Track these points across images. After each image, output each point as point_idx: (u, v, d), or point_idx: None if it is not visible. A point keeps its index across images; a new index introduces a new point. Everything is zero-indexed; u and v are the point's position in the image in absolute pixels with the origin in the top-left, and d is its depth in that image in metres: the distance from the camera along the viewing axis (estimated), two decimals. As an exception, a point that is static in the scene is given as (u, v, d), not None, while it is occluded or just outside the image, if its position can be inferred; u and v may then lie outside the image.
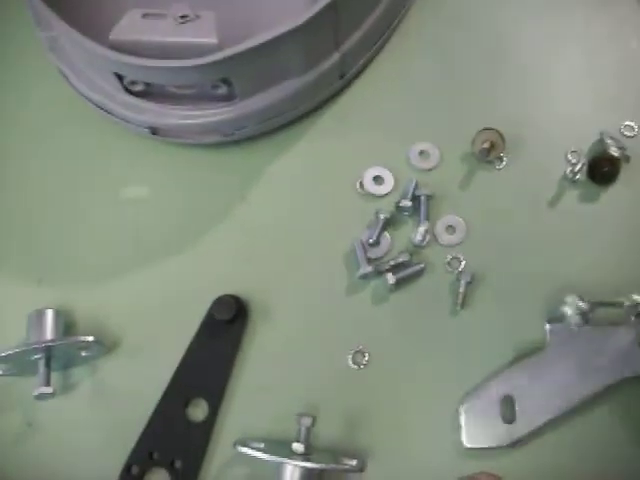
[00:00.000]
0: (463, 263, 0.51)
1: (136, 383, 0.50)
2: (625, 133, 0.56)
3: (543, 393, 0.47)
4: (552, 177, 0.54)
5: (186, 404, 0.49)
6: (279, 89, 0.51)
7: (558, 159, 0.55)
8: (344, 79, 0.55)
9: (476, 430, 0.47)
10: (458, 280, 0.50)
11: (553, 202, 0.53)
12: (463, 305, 0.50)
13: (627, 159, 0.54)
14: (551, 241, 0.52)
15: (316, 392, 0.49)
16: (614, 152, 0.53)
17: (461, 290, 0.50)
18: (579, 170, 0.53)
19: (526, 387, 0.47)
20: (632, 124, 0.56)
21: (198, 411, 0.49)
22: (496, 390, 0.47)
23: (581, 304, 0.45)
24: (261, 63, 0.48)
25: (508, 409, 0.47)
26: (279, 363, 0.49)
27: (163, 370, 0.49)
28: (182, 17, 0.48)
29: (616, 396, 0.47)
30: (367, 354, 0.49)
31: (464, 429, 0.47)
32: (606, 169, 0.53)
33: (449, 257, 0.52)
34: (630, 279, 0.50)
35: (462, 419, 0.47)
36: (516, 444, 0.46)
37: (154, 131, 0.53)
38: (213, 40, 0.47)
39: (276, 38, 0.46)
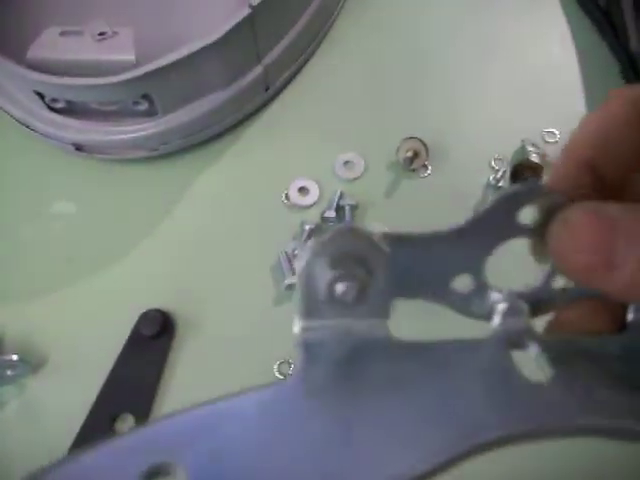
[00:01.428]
0: (388, 271, 0.52)
1: (64, 400, 0.49)
2: (547, 139, 0.57)
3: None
4: (477, 184, 0.55)
5: (114, 420, 0.49)
6: (202, 103, 0.52)
7: (482, 166, 0.56)
8: (269, 91, 0.55)
9: None
10: (383, 289, 0.51)
11: (477, 208, 0.54)
12: (388, 313, 0.50)
13: (548, 165, 0.55)
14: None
15: (243, 404, 0.49)
16: (534, 159, 0.54)
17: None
18: (502, 177, 0.54)
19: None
20: (554, 130, 0.57)
21: (126, 426, 0.48)
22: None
23: None
24: (180, 78, 0.48)
25: None
26: (206, 377, 0.50)
27: (91, 386, 0.49)
28: (100, 34, 0.48)
29: None
30: (292, 364, 0.50)
31: None
32: (527, 176, 0.54)
33: (375, 266, 0.52)
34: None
35: None
36: None
37: (78, 147, 0.53)
38: (130, 57, 0.48)
39: (193, 53, 0.47)
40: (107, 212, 0.54)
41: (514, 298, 0.26)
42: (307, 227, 0.52)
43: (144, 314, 0.50)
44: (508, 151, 0.56)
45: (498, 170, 0.54)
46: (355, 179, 0.55)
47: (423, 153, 0.54)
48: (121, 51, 0.48)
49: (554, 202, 0.23)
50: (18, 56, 0.48)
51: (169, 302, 0.51)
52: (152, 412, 0.49)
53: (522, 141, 0.56)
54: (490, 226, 0.24)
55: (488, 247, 0.25)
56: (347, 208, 0.53)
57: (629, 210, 0.21)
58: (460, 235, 0.24)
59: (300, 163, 0.55)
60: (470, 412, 0.22)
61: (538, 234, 0.25)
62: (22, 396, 0.50)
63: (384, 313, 0.23)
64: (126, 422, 0.49)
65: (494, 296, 0.25)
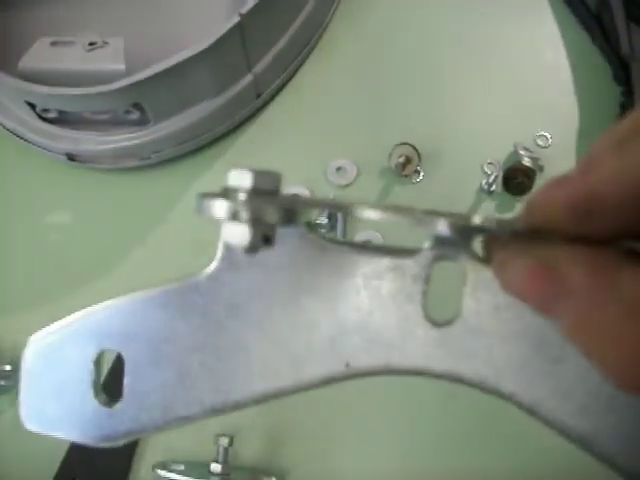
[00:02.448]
0: (381, 277, 0.52)
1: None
2: (539, 143, 0.57)
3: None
4: (469, 189, 0.55)
5: (107, 428, 0.49)
6: (193, 112, 0.52)
7: (475, 171, 0.55)
8: (261, 99, 0.55)
9: (44, 404, 0.27)
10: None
11: (470, 213, 0.54)
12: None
13: (541, 169, 0.55)
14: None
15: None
16: (527, 163, 0.54)
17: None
18: (494, 181, 0.54)
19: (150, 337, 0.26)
20: (546, 134, 0.57)
21: (120, 435, 0.48)
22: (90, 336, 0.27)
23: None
24: (171, 87, 0.48)
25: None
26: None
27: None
28: (90, 44, 0.49)
29: None
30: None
31: (22, 402, 0.29)
32: (519, 180, 0.54)
33: (368, 272, 0.52)
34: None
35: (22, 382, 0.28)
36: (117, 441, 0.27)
37: (71, 157, 0.53)
38: (120, 66, 0.48)
39: (183, 62, 0.47)
40: (101, 222, 0.54)
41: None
42: (299, 234, 0.52)
43: (137, 323, 0.50)
44: (500, 155, 0.56)
45: (490, 175, 0.54)
46: (347, 185, 0.55)
47: (415, 159, 0.54)
48: (111, 61, 0.48)
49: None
50: (9, 67, 0.48)
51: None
52: (146, 421, 0.48)
53: (514, 145, 0.56)
54: None
55: None
56: (339, 215, 0.53)
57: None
58: None
59: (292, 170, 0.55)
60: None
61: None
62: (16, 406, 0.49)
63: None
64: (120, 431, 0.48)
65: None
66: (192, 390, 0.25)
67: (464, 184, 0.55)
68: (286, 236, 0.24)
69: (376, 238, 0.53)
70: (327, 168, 0.55)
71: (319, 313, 0.24)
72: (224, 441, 0.45)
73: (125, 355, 0.26)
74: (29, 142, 0.52)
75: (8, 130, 0.53)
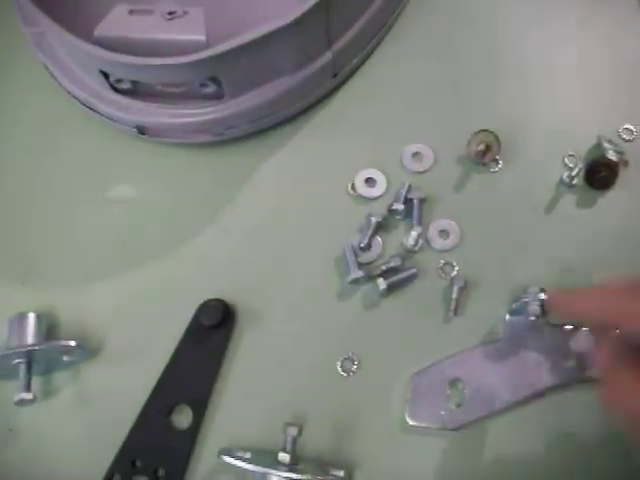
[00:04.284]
0: (456, 268, 0.50)
1: (119, 389, 0.48)
2: (623, 136, 0.54)
3: (493, 382, 0.46)
4: (549, 181, 0.53)
5: (170, 411, 0.47)
6: (270, 88, 0.50)
7: (555, 163, 0.53)
8: (337, 78, 0.53)
9: (421, 409, 0.46)
10: (451, 286, 0.49)
11: (549, 207, 0.52)
12: (456, 312, 0.49)
13: (625, 163, 0.53)
14: (547, 246, 0.51)
15: (304, 400, 0.47)
16: (612, 156, 0.52)
17: (454, 296, 0.49)
18: (576, 175, 0.52)
19: (477, 373, 0.47)
20: (631, 127, 0.55)
21: (182, 418, 0.47)
22: (447, 371, 0.47)
23: (541, 295, 0.45)
24: (250, 61, 0.47)
25: (457, 392, 0.46)
26: (266, 370, 0.48)
27: (147, 376, 0.48)
28: (170, 13, 0.47)
29: (561, 396, 0.47)
30: (357, 361, 0.48)
31: (409, 406, 0.46)
32: (603, 174, 0.52)
33: (442, 262, 0.50)
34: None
35: (409, 395, 0.46)
36: (459, 428, 0.46)
37: (141, 130, 0.51)
38: (201, 37, 0.46)
39: (265, 36, 0.45)
40: (169, 197, 0.52)
41: None
42: (373, 219, 0.50)
43: (204, 303, 0.49)
44: (583, 148, 0.54)
45: (572, 168, 0.52)
46: (424, 172, 0.53)
47: (495, 147, 0.52)
48: (192, 31, 0.47)
49: None
50: (86, 34, 0.46)
51: (229, 292, 0.49)
52: (210, 405, 0.47)
53: (598, 137, 0.53)
54: None
55: None
56: (415, 201, 0.51)
57: None
58: None
59: (367, 153, 0.53)
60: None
61: None
62: (77, 382, 0.49)
63: None
64: (183, 413, 0.47)
65: None
66: (496, 397, 0.46)
67: (544, 176, 0.53)
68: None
69: (451, 226, 0.51)
70: (403, 153, 0.53)
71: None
72: (293, 430, 0.43)
73: (465, 380, 0.47)
74: (100, 113, 0.51)
75: (80, 101, 0.51)
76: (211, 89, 0.48)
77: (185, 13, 0.47)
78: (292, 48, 0.48)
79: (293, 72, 0.50)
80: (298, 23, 0.45)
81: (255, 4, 0.51)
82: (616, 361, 0.37)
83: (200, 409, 0.47)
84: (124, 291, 0.51)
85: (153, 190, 0.53)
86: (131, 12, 0.47)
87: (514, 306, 0.48)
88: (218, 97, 0.49)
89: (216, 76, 0.47)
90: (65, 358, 0.48)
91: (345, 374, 0.48)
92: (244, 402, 0.47)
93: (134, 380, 0.48)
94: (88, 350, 0.48)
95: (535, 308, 0.46)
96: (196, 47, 0.45)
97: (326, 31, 0.49)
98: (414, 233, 0.49)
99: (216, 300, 0.48)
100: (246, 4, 0.51)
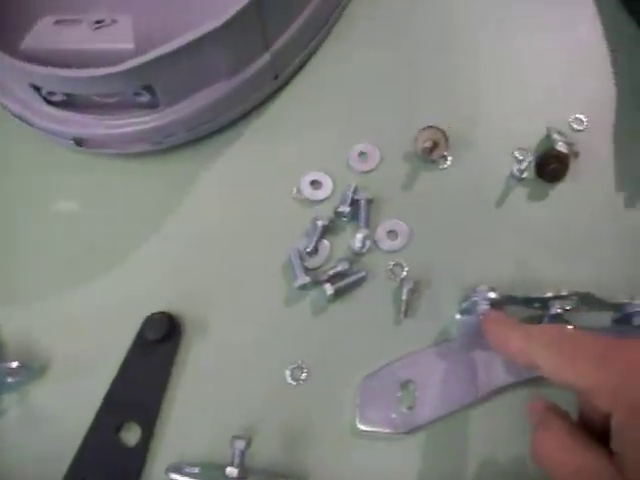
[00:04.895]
0: (406, 269, 0.49)
1: (67, 408, 0.47)
2: (574, 126, 0.53)
3: (446, 383, 0.46)
4: (499, 176, 0.52)
5: (119, 428, 0.46)
6: (207, 94, 0.49)
7: (505, 157, 0.53)
8: (278, 80, 0.52)
9: (372, 413, 0.45)
10: (401, 287, 0.48)
11: (500, 201, 0.51)
12: (407, 313, 0.48)
13: (576, 155, 0.52)
14: (498, 241, 0.50)
15: (254, 411, 0.46)
16: (561, 148, 0.51)
17: (404, 298, 0.48)
18: (526, 168, 0.51)
19: (429, 374, 0.46)
20: (581, 117, 0.54)
21: (131, 435, 0.46)
22: (398, 373, 0.46)
23: (490, 294, 0.44)
24: (183, 67, 0.46)
25: (408, 395, 0.46)
26: (215, 381, 0.47)
27: (96, 393, 0.47)
28: (97, 22, 0.46)
29: (513, 395, 0.46)
30: (306, 369, 0.47)
31: (359, 411, 0.45)
32: (553, 166, 0.51)
33: (391, 263, 0.49)
34: (577, 277, 0.48)
35: (358, 400, 0.45)
36: (412, 431, 0.45)
37: (79, 142, 0.50)
38: (129, 46, 0.45)
39: (196, 40, 0.44)
40: (110, 210, 0.51)
41: None
42: (319, 223, 0.49)
43: (149, 317, 0.48)
44: (533, 140, 0.53)
45: (522, 160, 0.51)
46: (370, 171, 0.52)
47: (443, 143, 0.51)
48: (120, 39, 0.46)
49: None
50: (12, 47, 0.45)
51: (175, 304, 0.48)
52: (159, 421, 0.46)
53: (547, 129, 0.52)
54: None
55: None
56: (362, 202, 0.50)
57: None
58: None
59: (312, 155, 0.52)
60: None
61: None
62: (24, 403, 0.48)
63: None
64: (131, 432, 0.46)
65: None
66: (449, 398, 0.45)
67: (494, 170, 0.52)
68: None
69: (399, 226, 0.50)
70: (349, 153, 0.52)
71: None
72: (240, 444, 0.42)
73: (417, 381, 0.46)
74: (36, 127, 0.50)
75: (14, 115, 0.50)
76: (145, 98, 0.47)
77: (114, 21, 0.46)
78: (226, 52, 0.46)
79: (230, 76, 0.48)
80: (230, 25, 0.44)
81: (188, 8, 0.50)
82: (549, 412, 0.36)
83: (149, 425, 0.46)
84: (69, 307, 0.49)
85: (95, 202, 0.52)
86: (58, 23, 0.46)
87: (464, 305, 0.47)
88: (154, 106, 0.48)
89: (149, 84, 0.46)
90: (9, 379, 0.47)
91: (295, 382, 0.47)
92: (194, 416, 0.47)
93: (82, 398, 0.47)
94: (34, 370, 0.47)
95: (484, 307, 0.45)
96: (125, 56, 0.44)
97: (262, 32, 0.48)
98: (359, 236, 0.48)
99: (160, 313, 0.47)
100: (179, 9, 0.50)
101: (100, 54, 0.45)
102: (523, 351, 0.37)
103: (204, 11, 0.46)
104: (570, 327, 0.45)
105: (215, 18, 0.44)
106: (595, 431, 0.35)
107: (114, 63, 0.43)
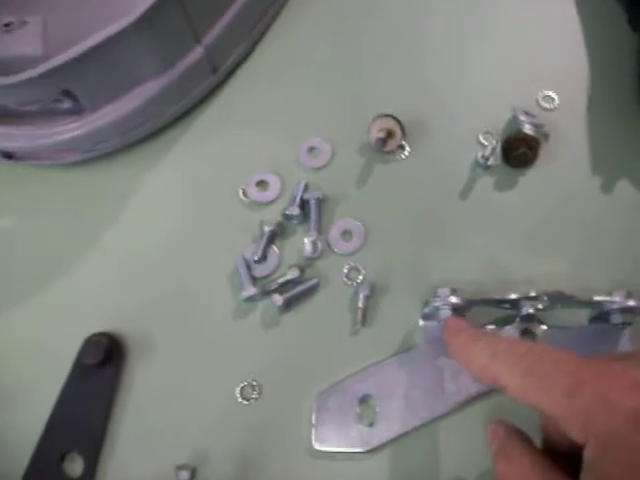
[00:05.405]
0: (362, 273, 0.45)
1: (7, 439, 0.44)
2: (544, 105, 0.49)
3: (409, 395, 0.42)
4: (463, 164, 0.48)
5: (61, 459, 0.44)
6: (136, 94, 0.45)
7: (469, 143, 0.48)
8: (218, 75, 0.48)
9: (328, 431, 0.42)
10: (357, 294, 0.44)
11: (465, 192, 0.47)
12: (364, 322, 0.44)
13: (545, 137, 0.47)
14: (464, 236, 0.46)
15: (204, 434, 0.43)
16: (528, 131, 0.46)
17: (360, 305, 0.44)
18: (491, 154, 0.47)
19: (391, 387, 0.42)
20: (552, 94, 0.49)
21: (75, 466, 0.43)
22: (355, 388, 0.42)
23: (452, 298, 0.41)
24: (103, 69, 0.42)
25: (368, 410, 0.42)
26: (162, 405, 0.44)
27: (36, 423, 0.44)
28: (6, 25, 0.42)
29: (485, 405, 0.42)
30: (257, 386, 0.44)
31: (315, 430, 0.42)
32: (521, 151, 0.47)
33: (347, 267, 0.45)
34: (551, 272, 0.44)
35: (314, 418, 0.42)
36: (373, 450, 0.41)
37: (7, 155, 0.47)
38: (37, 51, 0.41)
39: (110, 39, 0.40)
40: (46, 224, 0.48)
41: None
42: (267, 228, 0.45)
43: (87, 340, 0.44)
44: (499, 123, 0.48)
45: (487, 146, 0.47)
46: (321, 167, 0.48)
47: (398, 132, 0.47)
48: (27, 43, 0.42)
49: None
50: None
51: (117, 322, 0.45)
52: (103, 451, 0.43)
53: (513, 109, 0.48)
54: None
55: None
56: (312, 202, 0.46)
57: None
58: None
59: (258, 154, 0.48)
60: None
61: None
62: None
63: None
64: (75, 462, 0.43)
65: None
66: (413, 411, 0.42)
67: (457, 159, 0.48)
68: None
69: (355, 226, 0.46)
70: (298, 149, 0.48)
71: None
72: (185, 475, 0.39)
73: (376, 395, 0.42)
74: (-44, 141, 0.46)
75: None
76: (67, 104, 0.43)
77: (23, 23, 0.42)
78: (149, 48, 0.43)
79: (159, 74, 0.45)
80: (148, 19, 0.40)
81: (107, 4, 0.46)
82: (511, 438, 0.34)
83: (92, 455, 0.44)
84: (6, 330, 0.46)
85: (30, 217, 0.48)
86: (-39, 26, 0.42)
87: (426, 310, 0.43)
88: (78, 112, 0.44)
89: (67, 89, 0.42)
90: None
91: (246, 402, 0.43)
92: (140, 442, 0.44)
93: (23, 429, 0.44)
94: (-31, 400, 0.44)
95: (446, 312, 0.41)
96: (34, 61, 0.40)
97: (188, 24, 0.44)
98: (307, 240, 0.45)
99: (99, 335, 0.44)
100: (97, 5, 0.46)
101: (9, 60, 0.42)
102: (487, 369, 0.33)
103: (125, 7, 0.42)
104: (540, 343, 0.42)
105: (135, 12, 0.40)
106: (560, 453, 0.32)
107: (25, 69, 0.40)
